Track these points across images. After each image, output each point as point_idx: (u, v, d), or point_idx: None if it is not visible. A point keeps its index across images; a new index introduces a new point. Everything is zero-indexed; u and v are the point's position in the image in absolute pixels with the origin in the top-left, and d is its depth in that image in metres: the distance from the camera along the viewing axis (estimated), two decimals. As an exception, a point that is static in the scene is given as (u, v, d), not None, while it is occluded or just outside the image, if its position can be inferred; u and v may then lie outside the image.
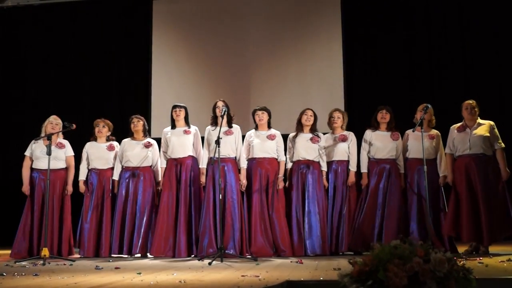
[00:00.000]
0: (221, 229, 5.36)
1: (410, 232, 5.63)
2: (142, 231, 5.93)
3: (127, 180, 6.07)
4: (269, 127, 6.07)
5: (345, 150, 5.96)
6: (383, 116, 5.99)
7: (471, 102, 5.62)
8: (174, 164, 5.99)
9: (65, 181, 6.07)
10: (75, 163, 6.22)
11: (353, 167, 5.91)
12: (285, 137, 6.10)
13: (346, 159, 5.96)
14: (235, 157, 5.90)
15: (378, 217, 5.72)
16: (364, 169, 5.90)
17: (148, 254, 5.94)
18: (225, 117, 5.78)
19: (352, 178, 5.87)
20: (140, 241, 5.90)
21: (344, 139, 5.98)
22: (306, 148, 5.92)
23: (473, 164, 5.44)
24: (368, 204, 5.77)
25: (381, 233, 5.66)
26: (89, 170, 6.22)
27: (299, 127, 6.05)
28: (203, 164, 5.91)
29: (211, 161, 5.67)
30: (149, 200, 6.04)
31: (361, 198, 5.83)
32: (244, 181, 5.83)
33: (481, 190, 5.34)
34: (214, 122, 5.99)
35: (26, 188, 6.00)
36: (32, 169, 6.06)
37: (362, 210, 5.76)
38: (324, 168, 5.94)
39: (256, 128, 6.07)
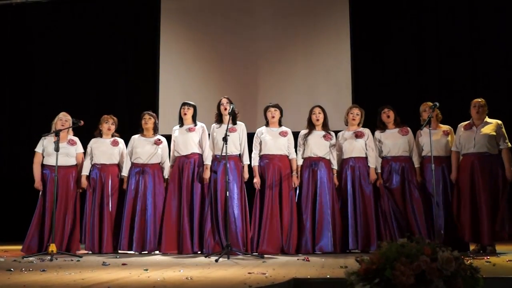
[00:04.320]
0: (226, 226, 5.37)
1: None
2: (151, 227, 5.95)
3: (136, 177, 6.09)
4: (280, 124, 6.07)
5: (362, 146, 5.93)
6: (388, 115, 5.99)
7: (480, 100, 5.59)
8: (179, 161, 6.01)
9: (76, 177, 6.11)
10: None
11: (372, 164, 5.88)
12: (292, 134, 6.09)
13: (364, 155, 5.92)
14: (239, 154, 5.91)
15: (401, 215, 5.68)
16: (378, 169, 5.89)
17: (156, 251, 5.97)
18: (230, 114, 5.78)
19: (373, 175, 5.85)
20: (150, 238, 5.92)
21: (361, 135, 5.95)
22: (318, 145, 5.90)
23: (477, 163, 5.41)
24: (389, 203, 5.73)
25: (410, 229, 5.55)
26: (92, 166, 6.23)
27: (311, 126, 6.03)
28: (207, 161, 5.91)
29: (217, 159, 5.70)
30: (159, 197, 6.05)
31: (381, 198, 5.79)
32: (255, 179, 5.84)
33: (483, 189, 5.33)
34: (219, 119, 6.00)
35: (38, 184, 6.03)
36: (43, 166, 6.07)
37: (386, 209, 5.73)
38: (335, 166, 5.93)
39: (267, 124, 6.08)
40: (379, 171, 5.89)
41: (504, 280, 3.29)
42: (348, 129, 6.10)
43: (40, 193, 6.04)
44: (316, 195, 5.79)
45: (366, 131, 6.00)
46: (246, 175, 5.90)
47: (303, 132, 6.05)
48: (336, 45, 8.29)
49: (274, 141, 5.93)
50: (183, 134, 6.06)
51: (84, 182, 6.16)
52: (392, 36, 8.21)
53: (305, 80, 8.31)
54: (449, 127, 5.92)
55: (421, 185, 5.79)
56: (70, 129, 6.14)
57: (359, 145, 5.93)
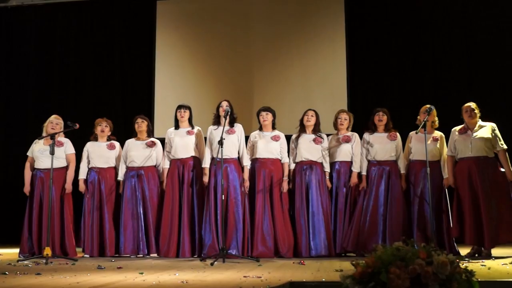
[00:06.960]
0: (224, 230, 5.36)
1: (413, 235, 5.62)
2: (148, 231, 5.95)
3: (132, 181, 6.08)
4: (273, 128, 6.07)
5: (349, 151, 5.94)
6: (380, 118, 5.98)
7: (470, 104, 5.60)
8: (177, 164, 6.00)
9: (64, 179, 6.03)
10: (77, 162, 6.20)
11: (355, 168, 5.90)
12: (288, 138, 6.09)
13: (349, 160, 5.94)
14: (238, 157, 5.90)
15: (381, 219, 5.70)
16: (363, 172, 5.89)
17: (152, 254, 5.95)
18: (227, 117, 5.78)
19: (354, 179, 5.86)
20: (146, 241, 5.92)
21: (348, 140, 5.97)
22: (309, 149, 5.91)
23: (474, 167, 5.41)
24: (369, 206, 5.74)
25: (385, 235, 5.63)
26: (89, 169, 6.21)
27: (302, 128, 6.05)
28: (205, 164, 5.89)
29: (214, 162, 5.70)
30: (154, 200, 6.04)
31: (362, 201, 5.80)
32: (246, 182, 5.82)
33: (482, 193, 5.32)
34: (217, 121, 6.00)
35: (26, 190, 6.01)
36: (34, 169, 6.06)
37: (363, 212, 5.74)
38: (327, 169, 5.93)
39: (260, 128, 6.07)
40: (364, 173, 5.89)
41: (499, 283, 3.30)
42: (337, 133, 6.11)
43: (28, 196, 6.01)
44: (309, 199, 5.79)
45: (354, 135, 6.02)
46: (246, 177, 5.89)
47: (294, 135, 6.05)
48: (331, 49, 8.32)
49: (266, 145, 5.92)
50: (182, 137, 6.04)
51: (82, 186, 6.15)
52: (387, 40, 8.24)
53: (300, 84, 8.32)
54: (441, 133, 5.91)
55: (405, 191, 5.81)
56: (62, 132, 6.08)
57: (346, 149, 5.94)
